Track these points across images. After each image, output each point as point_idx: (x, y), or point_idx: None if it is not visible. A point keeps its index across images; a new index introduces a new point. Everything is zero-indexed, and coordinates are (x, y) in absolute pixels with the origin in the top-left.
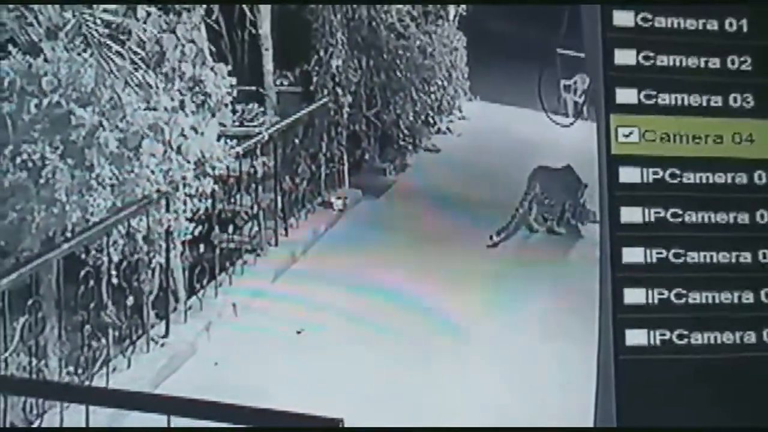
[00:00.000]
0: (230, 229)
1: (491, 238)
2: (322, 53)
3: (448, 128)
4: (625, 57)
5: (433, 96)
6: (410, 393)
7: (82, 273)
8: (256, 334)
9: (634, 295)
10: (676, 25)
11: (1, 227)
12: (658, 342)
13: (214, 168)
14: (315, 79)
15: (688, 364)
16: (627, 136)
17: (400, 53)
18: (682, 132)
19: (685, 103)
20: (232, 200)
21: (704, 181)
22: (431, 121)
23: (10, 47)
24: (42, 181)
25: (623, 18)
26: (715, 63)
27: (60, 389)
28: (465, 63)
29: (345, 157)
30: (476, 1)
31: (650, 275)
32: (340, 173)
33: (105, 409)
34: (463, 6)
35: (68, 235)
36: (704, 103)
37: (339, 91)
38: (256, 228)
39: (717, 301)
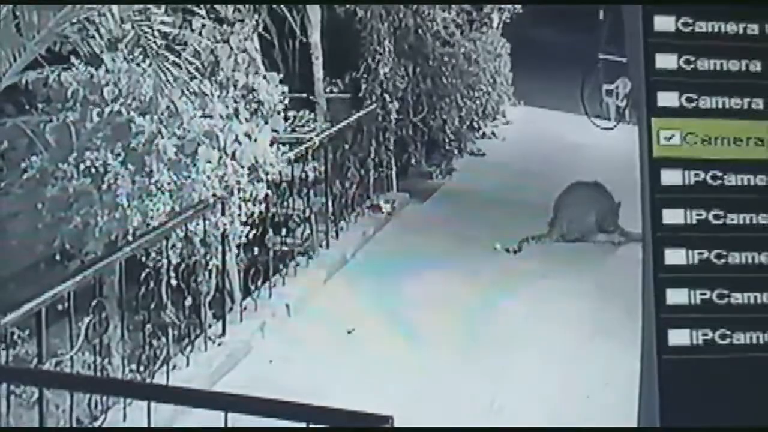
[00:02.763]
0: (283, 232)
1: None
2: (370, 61)
3: (492, 133)
4: (666, 61)
5: (477, 101)
6: (457, 391)
7: (143, 275)
8: (309, 334)
9: (676, 296)
10: (716, 29)
11: (66, 231)
12: (700, 342)
13: (267, 173)
14: (363, 86)
15: (730, 364)
16: (668, 139)
17: (446, 60)
18: (723, 135)
19: (726, 105)
20: (285, 204)
21: (746, 183)
22: (476, 125)
23: (73, 59)
24: (104, 186)
25: (664, 23)
26: (756, 66)
27: (123, 386)
28: (509, 69)
29: (393, 162)
30: (521, 1)
31: (692, 276)
32: (388, 177)
33: (165, 405)
34: (507, 13)
35: (129, 238)
36: (745, 106)
37: (387, 97)
38: (308, 231)
39: (759, 301)
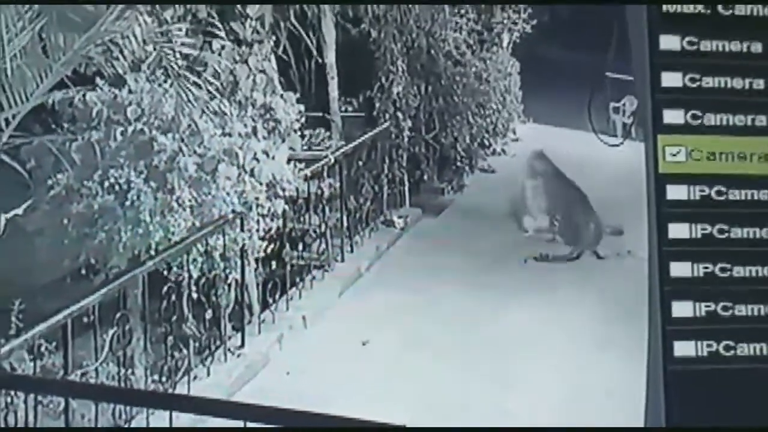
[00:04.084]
0: (300, 246)
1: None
2: (383, 80)
3: (502, 150)
4: (671, 79)
5: (488, 119)
6: (470, 401)
7: (165, 288)
8: (325, 345)
9: (681, 308)
10: (721, 48)
11: (91, 246)
12: (705, 353)
13: (284, 189)
14: (377, 104)
15: (735, 374)
16: (674, 155)
17: (457, 79)
18: (727, 151)
19: (731, 123)
20: (302, 219)
21: (749, 197)
22: (486, 143)
23: (98, 79)
24: (128, 203)
25: (669, 42)
26: (759, 83)
27: (146, 397)
28: (518, 87)
29: (406, 178)
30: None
31: (697, 288)
32: (401, 193)
33: (187, 414)
34: (517, 33)
35: (152, 253)
36: (749, 123)
37: (400, 115)
38: (323, 245)
39: (763, 313)
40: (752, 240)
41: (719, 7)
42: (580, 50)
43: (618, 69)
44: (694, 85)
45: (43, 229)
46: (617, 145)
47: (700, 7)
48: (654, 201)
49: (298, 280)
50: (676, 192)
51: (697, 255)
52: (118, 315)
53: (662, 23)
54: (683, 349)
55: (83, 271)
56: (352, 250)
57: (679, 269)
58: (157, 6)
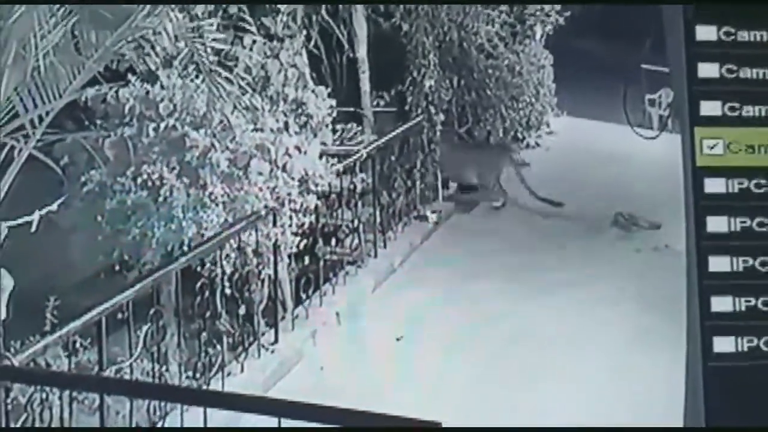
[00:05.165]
0: (333, 242)
1: None
2: (415, 74)
3: (536, 143)
4: (708, 70)
5: (521, 112)
6: (504, 397)
7: (198, 284)
8: (359, 341)
9: (721, 303)
10: (759, 38)
11: (124, 242)
12: (745, 348)
13: (316, 185)
14: (409, 98)
15: None
16: (711, 148)
17: (490, 72)
18: (766, 143)
19: None
20: (334, 215)
21: None
22: (520, 136)
23: (130, 76)
24: (161, 199)
25: (706, 32)
26: None
27: (180, 393)
28: (552, 80)
29: (438, 173)
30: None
31: (737, 283)
32: (434, 188)
33: (221, 411)
34: (550, 26)
35: (185, 249)
36: None
37: (432, 109)
38: (356, 241)
39: None
40: None
41: None
42: (615, 42)
43: (653, 61)
44: (732, 76)
45: (76, 226)
46: (653, 138)
47: None
48: (692, 194)
49: (331, 275)
50: (714, 185)
51: (737, 249)
52: (152, 311)
53: (698, 13)
54: (722, 344)
55: (117, 268)
56: (385, 246)
57: (718, 264)
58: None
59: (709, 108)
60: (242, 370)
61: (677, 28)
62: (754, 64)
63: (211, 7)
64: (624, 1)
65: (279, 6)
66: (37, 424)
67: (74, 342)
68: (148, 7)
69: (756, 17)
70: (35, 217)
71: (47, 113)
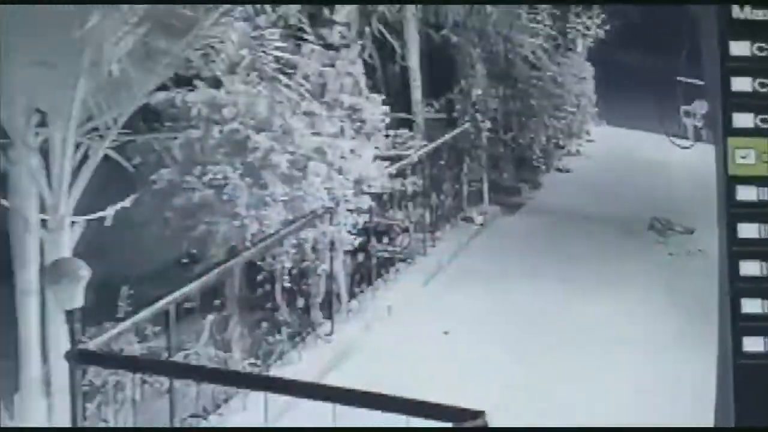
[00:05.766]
0: (385, 240)
1: None
2: (463, 83)
3: (577, 150)
4: (741, 84)
5: (563, 121)
6: (546, 389)
7: (260, 278)
8: (408, 334)
9: (751, 305)
10: None
11: (191, 238)
12: None
13: (370, 186)
14: (457, 106)
15: None
16: (744, 157)
17: (534, 83)
18: None
19: None
20: (387, 215)
21: None
22: (562, 144)
23: (196, 81)
24: (225, 197)
25: (740, 48)
26: None
27: (243, 378)
28: (593, 91)
29: (485, 177)
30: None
31: (767, 286)
32: (480, 191)
33: (280, 396)
34: (590, 39)
35: (248, 244)
36: None
37: (479, 117)
38: (407, 239)
39: None
40: None
41: None
42: (653, 55)
43: (689, 73)
44: (764, 90)
45: (148, 221)
46: (688, 148)
47: None
48: (724, 202)
49: (383, 271)
50: (745, 193)
51: (767, 254)
52: (217, 302)
53: (732, 29)
54: (753, 344)
55: (184, 261)
56: (434, 244)
57: (749, 268)
58: (251, 12)
59: (742, 120)
60: (300, 358)
61: (712, 43)
62: None
63: (273, 18)
64: (662, 2)
65: (335, 17)
66: (111, 405)
67: (145, 329)
68: (215, 16)
69: None
70: (110, 212)
71: (120, 116)
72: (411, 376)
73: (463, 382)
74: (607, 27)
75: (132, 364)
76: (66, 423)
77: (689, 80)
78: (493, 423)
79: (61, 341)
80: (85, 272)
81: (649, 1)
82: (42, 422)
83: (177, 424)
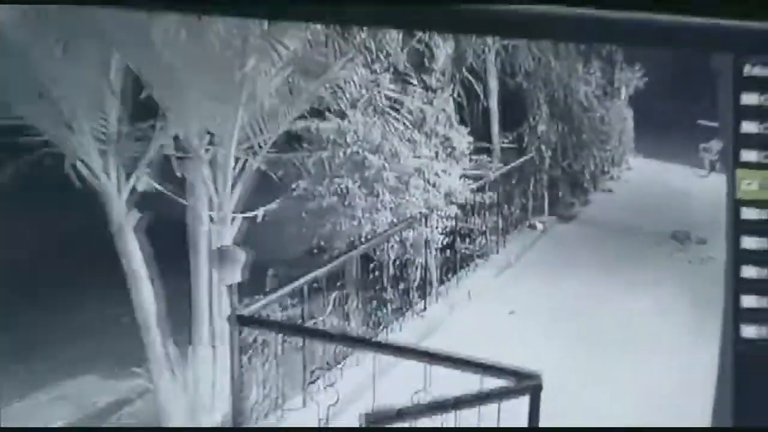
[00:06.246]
0: (467, 240)
1: None
2: (531, 120)
3: (618, 176)
4: (749, 127)
5: (608, 152)
6: (585, 359)
7: (371, 266)
8: (482, 313)
9: (749, 301)
10: None
11: (321, 233)
12: (765, 335)
13: (456, 198)
14: (526, 138)
15: None
16: (749, 185)
17: (586, 122)
18: None
19: None
20: (468, 221)
21: None
22: (606, 170)
23: (327, 113)
24: (346, 203)
25: (749, 98)
26: None
27: (358, 341)
28: (632, 129)
29: (546, 194)
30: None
31: (762, 285)
32: (542, 205)
33: (385, 356)
34: (632, 88)
35: (363, 240)
36: None
37: (543, 147)
38: (484, 240)
39: None
40: None
41: None
42: (680, 102)
43: (708, 117)
44: (767, 132)
45: (288, 220)
46: (705, 176)
47: None
48: (731, 219)
49: (464, 265)
50: (748, 213)
51: (763, 261)
52: (339, 283)
53: (744, 83)
54: (749, 332)
55: (315, 251)
56: (504, 246)
57: (749, 272)
58: (369, 59)
59: (748, 155)
60: (400, 329)
61: (727, 93)
62: None
63: (385, 65)
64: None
65: (434, 66)
66: (259, 358)
67: (285, 301)
68: (342, 62)
69: None
70: (260, 211)
71: (269, 138)
72: (483, 345)
73: (523, 351)
74: (645, 79)
75: (275, 327)
76: (226, 370)
77: (708, 123)
78: (545, 381)
79: (223, 308)
80: (241, 256)
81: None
82: (209, 368)
83: (308, 375)
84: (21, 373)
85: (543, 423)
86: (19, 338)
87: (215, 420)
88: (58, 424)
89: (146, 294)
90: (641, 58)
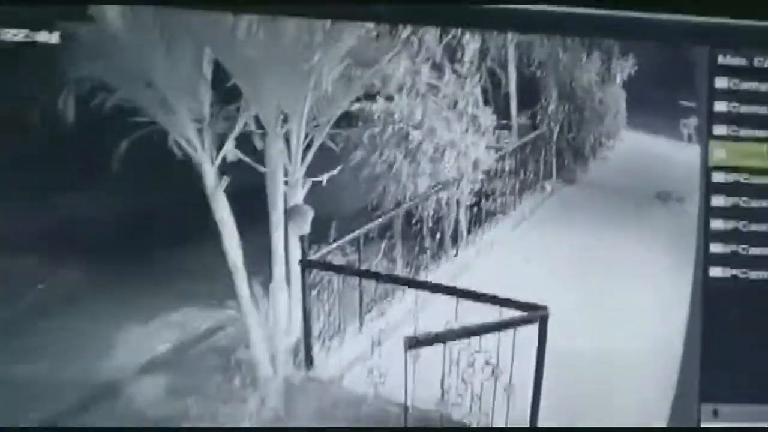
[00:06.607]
0: (490, 200)
1: None
2: (543, 102)
3: (613, 146)
4: (720, 106)
5: (605, 128)
6: (588, 301)
7: (413, 220)
8: (502, 258)
9: (716, 247)
10: (755, 88)
11: (373, 195)
12: (729, 275)
13: (482, 165)
14: (539, 117)
15: (755, 288)
16: (719, 154)
17: (587, 103)
18: (754, 153)
19: (757, 135)
20: (492, 184)
21: (763, 182)
22: (603, 142)
23: (378, 97)
24: (393, 170)
25: (721, 82)
26: None
27: (402, 280)
28: (625, 108)
29: (554, 162)
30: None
31: (728, 235)
32: (550, 171)
33: (424, 293)
34: (625, 75)
35: (407, 200)
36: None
37: (551, 124)
38: (504, 200)
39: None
40: (764, 209)
41: (755, 61)
42: (665, 86)
43: (687, 98)
44: (735, 111)
45: (347, 184)
46: (684, 147)
47: (743, 61)
48: (704, 182)
49: (488, 219)
50: (718, 177)
51: (729, 214)
52: (387, 234)
53: (717, 70)
54: (716, 272)
55: (369, 209)
56: (520, 203)
57: (717, 224)
58: (412, 53)
59: (719, 130)
60: (437, 270)
61: (703, 79)
62: (750, 103)
63: (425, 57)
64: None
65: (464, 57)
66: (324, 293)
67: (345, 249)
68: (390, 55)
69: (755, 73)
70: (324, 177)
71: (332, 117)
72: (502, 284)
73: (535, 290)
74: (636, 68)
75: (337, 269)
76: (298, 304)
77: (687, 103)
78: (552, 312)
79: (295, 254)
80: (310, 213)
81: (659, 40)
82: (285, 302)
83: (363, 307)
84: (136, 307)
85: (551, 343)
86: (136, 278)
87: (290, 342)
88: (167, 346)
89: (234, 243)
90: (633, 51)
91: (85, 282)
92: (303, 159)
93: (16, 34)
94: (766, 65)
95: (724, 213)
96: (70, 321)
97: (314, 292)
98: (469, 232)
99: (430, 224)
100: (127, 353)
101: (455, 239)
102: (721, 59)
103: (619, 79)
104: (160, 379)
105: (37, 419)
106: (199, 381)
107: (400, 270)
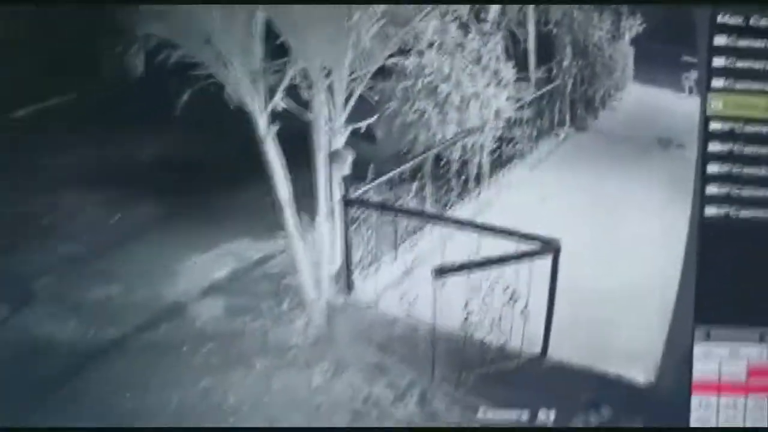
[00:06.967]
0: (510, 145)
1: None
2: (558, 58)
3: (621, 98)
4: (719, 62)
5: (614, 81)
6: (598, 236)
7: (442, 163)
8: (520, 198)
9: (712, 189)
10: (751, 44)
11: (405, 141)
12: (722, 214)
13: (503, 114)
14: (554, 71)
15: (744, 226)
16: (716, 104)
17: (598, 59)
18: (748, 104)
19: (753, 88)
20: (512, 131)
21: (758, 131)
22: (612, 94)
23: (410, 52)
24: (424, 119)
25: (720, 40)
26: None
27: (431, 216)
28: (632, 64)
29: (567, 111)
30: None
31: (723, 177)
32: (564, 119)
33: (450, 227)
34: (633, 32)
35: (435, 144)
36: (766, 88)
37: (566, 77)
38: (522, 145)
39: (761, 194)
40: (761, 155)
41: (751, 20)
42: (670, 43)
43: (689, 54)
44: (732, 66)
45: (383, 131)
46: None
47: (740, 20)
48: (702, 129)
49: (508, 162)
50: (715, 125)
51: (725, 160)
52: (418, 175)
53: (716, 28)
54: (710, 210)
55: (403, 152)
56: (537, 148)
57: (714, 167)
58: (441, 13)
59: (717, 83)
60: (461, 207)
61: (704, 36)
62: (746, 58)
63: (453, 17)
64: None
65: (488, 17)
66: (362, 227)
67: (381, 188)
68: (421, 15)
69: (751, 31)
70: (363, 124)
71: (369, 71)
72: (521, 221)
73: (550, 225)
74: (644, 26)
75: (374, 206)
76: (339, 236)
77: (689, 58)
78: (564, 245)
79: (337, 192)
80: (350, 156)
81: (665, 1)
82: (328, 235)
83: (397, 239)
84: (197, 238)
85: (563, 272)
86: (197, 213)
87: (333, 269)
88: (225, 272)
89: (283, 183)
90: (641, 11)
91: (153, 216)
92: (345, 108)
93: None
94: (761, 24)
95: (719, 158)
96: (141, 250)
97: (354, 226)
98: (490, 174)
99: (456, 167)
100: (190, 279)
101: (478, 180)
102: (720, 18)
103: (627, 37)
104: (219, 301)
105: (112, 335)
106: (253, 303)
107: (429, 207)
